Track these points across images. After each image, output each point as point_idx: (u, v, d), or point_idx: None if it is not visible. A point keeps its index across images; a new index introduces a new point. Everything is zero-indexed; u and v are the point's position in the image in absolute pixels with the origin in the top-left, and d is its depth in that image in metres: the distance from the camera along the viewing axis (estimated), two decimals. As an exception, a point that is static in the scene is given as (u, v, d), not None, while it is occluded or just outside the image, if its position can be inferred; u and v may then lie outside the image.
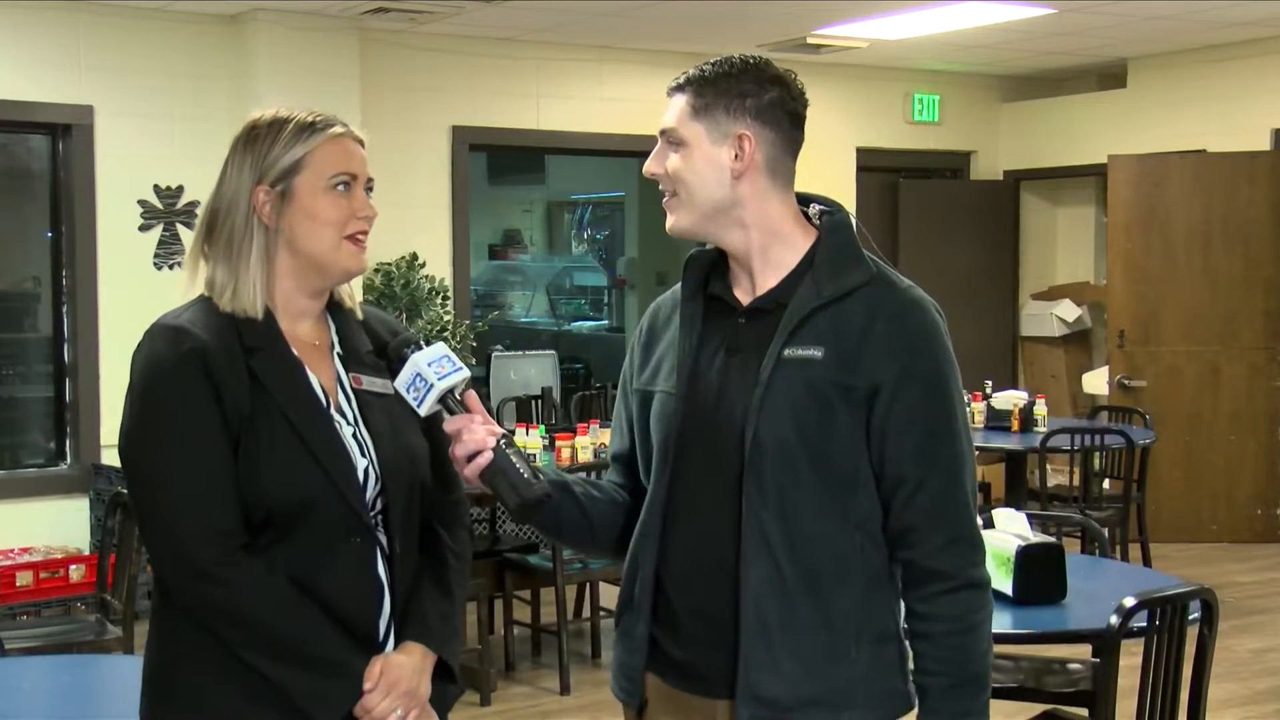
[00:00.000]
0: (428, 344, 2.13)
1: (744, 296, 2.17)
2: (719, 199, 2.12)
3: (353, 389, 2.20)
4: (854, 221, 2.18)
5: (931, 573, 2.10)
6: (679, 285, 2.25)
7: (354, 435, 2.16)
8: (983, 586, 2.14)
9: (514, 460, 2.05)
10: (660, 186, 2.18)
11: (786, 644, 2.08)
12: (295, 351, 2.16)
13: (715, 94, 2.11)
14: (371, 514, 2.15)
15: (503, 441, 2.06)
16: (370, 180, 2.20)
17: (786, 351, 2.08)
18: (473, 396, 2.11)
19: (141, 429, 2.10)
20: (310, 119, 2.17)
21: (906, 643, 2.17)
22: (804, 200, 2.21)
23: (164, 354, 2.09)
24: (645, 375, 2.24)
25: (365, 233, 2.18)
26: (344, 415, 2.17)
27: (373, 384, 2.21)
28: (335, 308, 2.26)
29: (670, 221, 2.18)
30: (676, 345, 2.20)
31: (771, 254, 2.15)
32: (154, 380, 2.09)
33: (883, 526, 2.12)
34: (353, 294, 2.30)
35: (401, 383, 2.10)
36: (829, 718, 2.09)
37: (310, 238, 2.14)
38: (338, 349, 2.23)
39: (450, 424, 2.08)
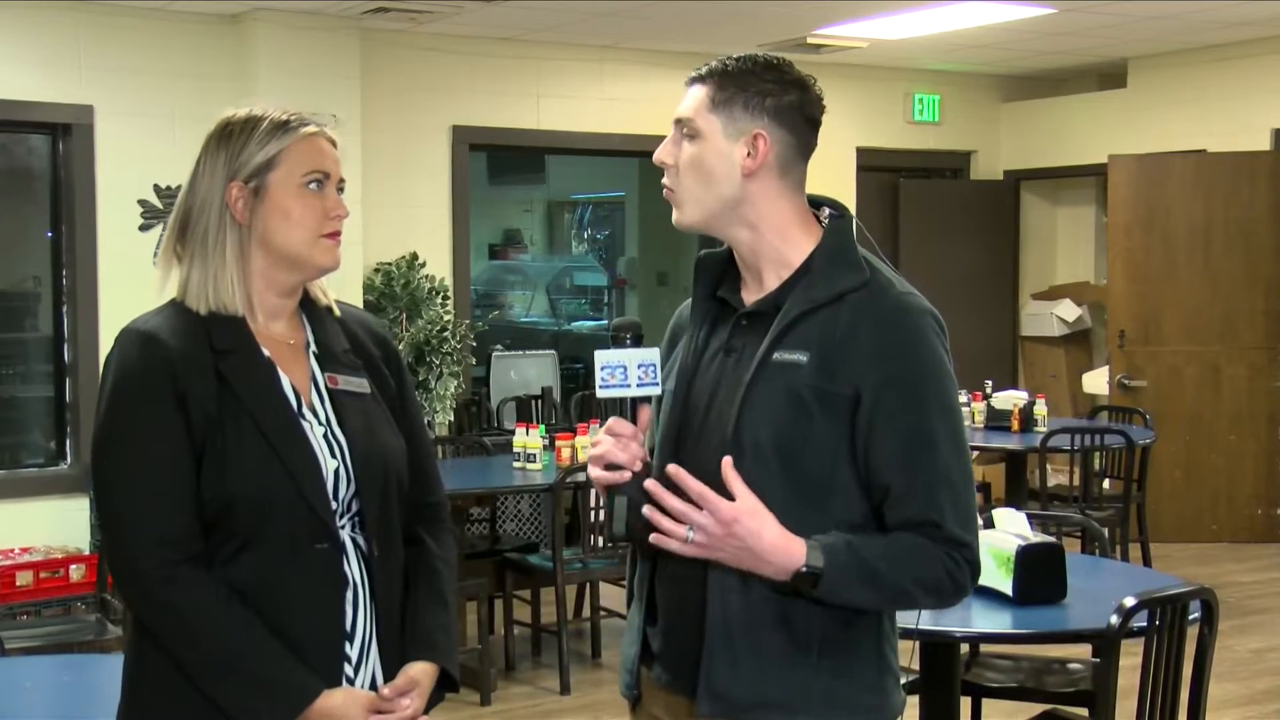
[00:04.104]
0: (637, 341, 2.13)
1: (749, 298, 2.17)
2: (727, 195, 2.11)
3: (328, 388, 2.18)
4: (855, 225, 2.16)
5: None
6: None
7: (325, 436, 2.14)
8: (955, 587, 2.06)
9: (639, 497, 2.08)
10: (664, 178, 2.15)
11: (745, 644, 2.08)
12: (267, 352, 2.15)
13: (736, 89, 2.09)
14: (347, 516, 2.14)
15: (640, 474, 2.08)
16: (342, 181, 2.19)
17: (775, 355, 2.08)
18: (645, 412, 2.13)
19: (103, 434, 2.09)
20: (284, 117, 2.16)
21: (890, 659, 2.14)
22: (816, 203, 2.19)
23: (131, 361, 2.08)
24: (665, 376, 2.24)
25: (339, 232, 2.18)
26: (316, 415, 2.15)
27: (349, 383, 2.20)
28: (309, 306, 2.24)
29: (676, 215, 2.16)
30: (683, 346, 2.21)
31: (776, 255, 2.13)
32: (119, 387, 2.09)
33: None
34: (326, 291, 2.27)
35: (603, 358, 2.11)
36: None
37: (284, 234, 2.13)
38: (313, 348, 2.21)
39: (614, 425, 2.11)
